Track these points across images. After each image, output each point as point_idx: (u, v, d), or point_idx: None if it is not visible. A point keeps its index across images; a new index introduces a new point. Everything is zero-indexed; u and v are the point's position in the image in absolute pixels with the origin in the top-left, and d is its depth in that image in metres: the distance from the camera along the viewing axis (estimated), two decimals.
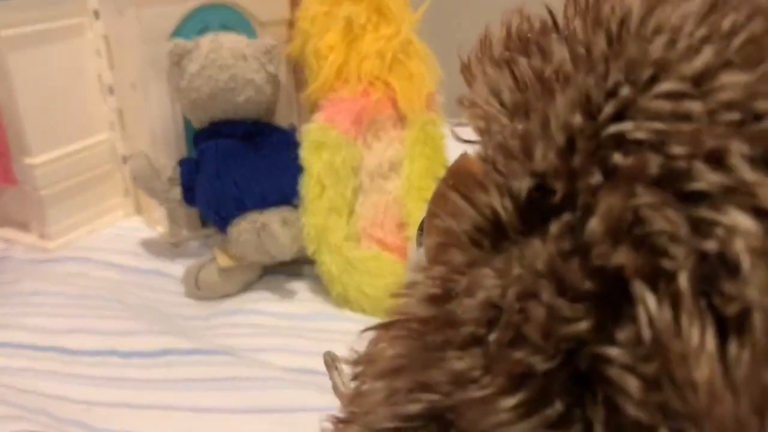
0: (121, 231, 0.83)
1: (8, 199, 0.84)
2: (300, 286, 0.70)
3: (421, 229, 0.25)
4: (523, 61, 0.19)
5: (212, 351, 0.59)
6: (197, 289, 0.69)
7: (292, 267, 0.72)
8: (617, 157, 0.15)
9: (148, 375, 0.57)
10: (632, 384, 0.14)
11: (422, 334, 0.18)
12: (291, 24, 0.80)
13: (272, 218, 0.66)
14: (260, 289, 0.70)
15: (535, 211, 0.16)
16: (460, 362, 0.17)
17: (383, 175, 0.70)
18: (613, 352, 0.15)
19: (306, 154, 0.68)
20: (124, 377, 0.57)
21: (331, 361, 0.35)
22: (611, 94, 0.16)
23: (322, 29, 0.71)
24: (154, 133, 0.77)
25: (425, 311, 0.18)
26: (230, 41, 0.72)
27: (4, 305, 0.68)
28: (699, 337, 0.14)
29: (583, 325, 0.15)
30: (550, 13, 0.20)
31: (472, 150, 0.21)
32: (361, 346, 0.21)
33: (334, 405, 0.43)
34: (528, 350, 0.15)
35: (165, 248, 0.79)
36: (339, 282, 0.65)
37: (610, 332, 0.15)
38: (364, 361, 0.21)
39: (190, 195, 0.73)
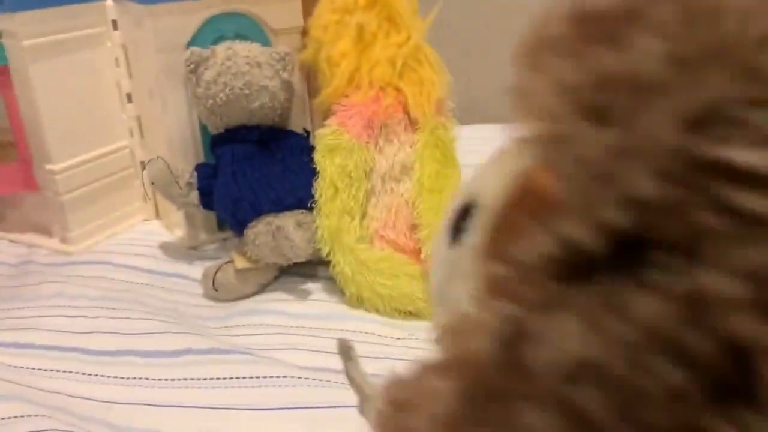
0: (141, 235, 0.85)
1: (30, 205, 0.86)
2: (315, 287, 0.72)
3: (457, 223, 0.23)
4: (600, 52, 0.15)
5: (230, 350, 0.60)
6: (215, 290, 0.70)
7: (306, 268, 0.73)
8: (740, 196, 0.12)
9: (167, 374, 0.58)
10: None
11: (488, 379, 0.16)
12: (304, 32, 0.81)
13: (287, 221, 0.67)
14: (276, 290, 0.72)
15: (627, 244, 0.14)
16: (535, 420, 0.14)
17: (395, 178, 0.71)
18: None
19: (319, 158, 0.69)
20: (144, 376, 0.58)
21: (346, 350, 0.35)
22: (720, 111, 0.13)
23: (335, 37, 0.73)
24: (172, 139, 0.79)
25: (492, 352, 0.16)
26: (245, 49, 0.74)
27: (27, 308, 0.69)
28: None
29: (703, 404, 0.13)
30: None
31: (535, 158, 0.17)
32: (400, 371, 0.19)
33: (349, 402, 0.44)
34: (633, 424, 0.13)
35: (183, 251, 0.81)
36: (353, 282, 0.66)
37: (730, 413, 0.12)
38: (411, 391, 0.18)
39: (207, 199, 0.75)
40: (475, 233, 0.21)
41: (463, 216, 0.22)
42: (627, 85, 0.14)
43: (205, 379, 0.57)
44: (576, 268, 0.15)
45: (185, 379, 0.57)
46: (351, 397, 0.43)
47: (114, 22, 0.82)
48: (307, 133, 0.81)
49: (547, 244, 0.15)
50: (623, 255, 0.14)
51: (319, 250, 0.68)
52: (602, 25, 0.16)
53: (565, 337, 0.14)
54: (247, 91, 0.73)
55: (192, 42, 0.76)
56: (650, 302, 0.13)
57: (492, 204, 0.20)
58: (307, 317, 0.66)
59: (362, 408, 0.36)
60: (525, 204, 0.17)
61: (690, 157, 0.13)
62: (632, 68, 0.14)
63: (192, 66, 0.73)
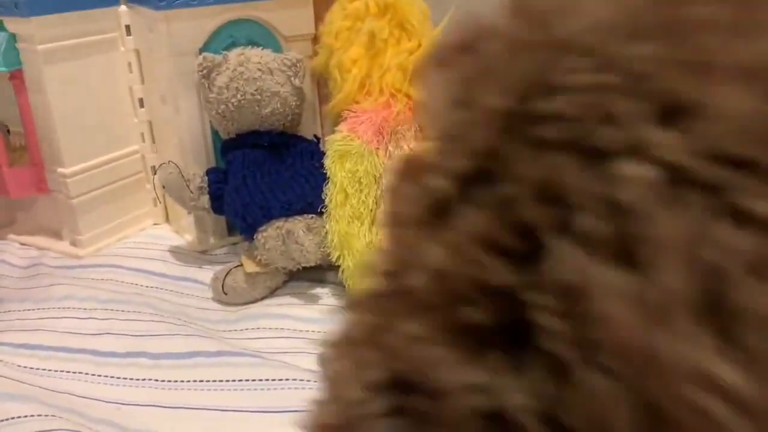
0: (150, 239, 0.86)
1: (41, 208, 0.86)
2: (323, 292, 0.72)
3: None
4: (465, 59, 0.20)
5: (239, 353, 0.60)
6: (224, 294, 0.70)
7: (316, 273, 0.73)
8: (533, 129, 0.17)
9: (176, 376, 0.58)
10: (556, 324, 0.15)
11: (381, 307, 0.20)
12: (315, 39, 0.82)
13: (297, 225, 0.68)
14: (285, 294, 0.72)
15: (470, 186, 0.18)
16: (411, 326, 0.18)
17: None
18: (536, 297, 0.16)
19: (330, 164, 0.70)
20: (153, 378, 0.58)
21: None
22: (531, 78, 0.18)
23: (346, 43, 0.73)
24: (183, 143, 0.80)
25: (383, 286, 0.20)
26: (257, 55, 0.75)
27: (38, 310, 0.70)
28: (609, 275, 0.15)
29: (506, 276, 0.16)
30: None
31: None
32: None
33: None
34: (467, 307, 0.17)
35: (193, 255, 0.81)
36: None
37: (534, 281, 0.16)
38: (334, 342, 0.22)
39: (217, 203, 0.75)
40: None
41: None
42: (476, 77, 0.19)
43: (213, 381, 0.57)
44: (440, 210, 0.19)
45: (194, 381, 0.58)
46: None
47: (127, 28, 0.82)
48: (318, 139, 0.81)
49: (417, 196, 0.19)
50: (469, 194, 0.18)
51: (329, 254, 0.68)
52: (469, 43, 0.21)
53: (428, 256, 0.18)
54: (258, 97, 0.73)
55: (205, 48, 0.77)
56: (473, 214, 0.17)
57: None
58: (316, 321, 0.66)
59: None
60: (402, 172, 0.21)
61: (508, 113, 0.17)
62: (478, 65, 0.20)
63: (204, 71, 0.74)
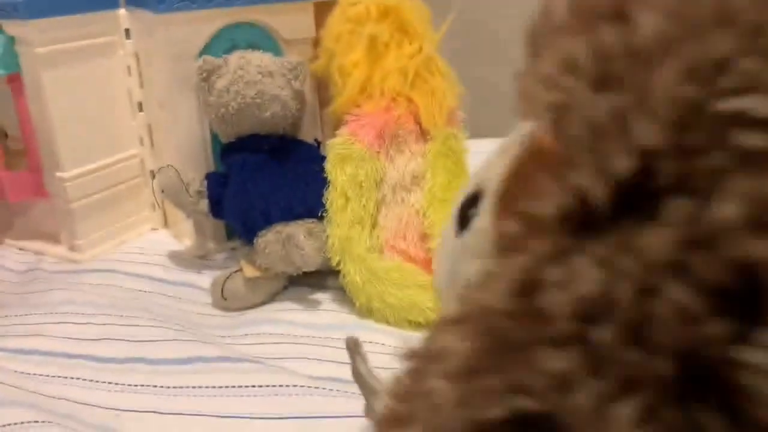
0: (149, 243, 0.85)
1: (39, 213, 0.86)
2: (324, 297, 0.71)
3: (463, 212, 0.23)
4: (603, 28, 0.16)
5: (239, 359, 0.60)
6: (224, 299, 0.70)
7: (316, 278, 0.73)
8: (746, 137, 0.13)
9: (175, 382, 0.58)
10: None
11: (504, 331, 0.16)
12: (316, 42, 0.82)
13: (297, 229, 0.67)
14: (285, 299, 0.72)
15: (638, 193, 0.15)
16: (558, 362, 0.15)
17: (406, 188, 0.71)
18: (750, 355, 0.13)
19: (330, 168, 0.69)
20: (152, 384, 0.58)
21: (354, 345, 0.35)
22: (727, 64, 0.14)
23: (347, 47, 0.73)
24: (182, 147, 0.79)
25: (507, 304, 0.16)
26: (257, 58, 0.74)
27: (35, 314, 0.69)
28: None
29: (716, 325, 0.13)
30: None
31: (538, 129, 0.18)
32: (411, 342, 0.19)
33: (358, 412, 0.43)
34: (646, 351, 0.14)
35: (191, 260, 0.80)
36: (363, 292, 0.66)
37: (746, 334, 0.13)
38: (425, 356, 0.18)
39: (217, 208, 0.75)
40: (484, 214, 0.22)
41: (470, 205, 0.23)
42: (628, 55, 0.16)
43: (213, 387, 0.57)
44: (586, 220, 0.15)
45: (193, 387, 0.57)
46: (360, 407, 0.42)
47: (127, 31, 0.82)
48: (318, 142, 0.81)
49: (559, 196, 0.16)
50: (632, 204, 0.15)
51: (329, 259, 0.68)
52: (604, 7, 0.17)
53: (579, 279, 0.15)
54: (259, 101, 0.73)
55: (204, 51, 0.77)
56: (657, 235, 0.14)
57: (497, 183, 0.21)
58: (317, 327, 0.66)
59: (368, 406, 0.35)
60: (533, 164, 0.18)
61: (694, 106, 0.14)
62: (634, 40, 0.15)
63: (204, 74, 0.73)
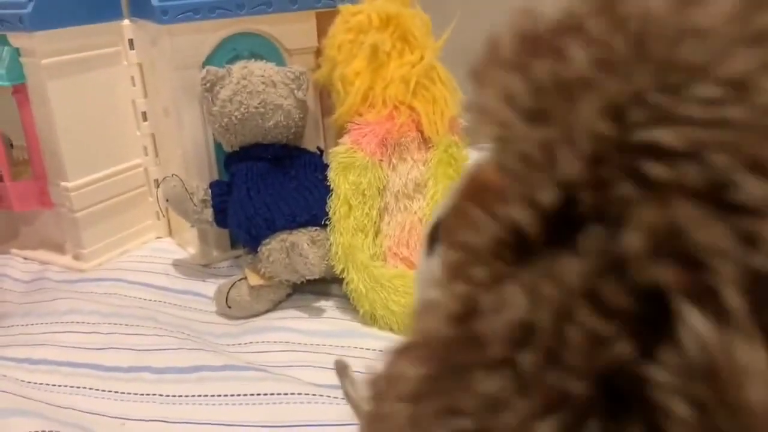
0: (154, 252, 0.86)
1: (44, 222, 0.86)
2: (328, 305, 0.72)
3: (431, 237, 0.24)
4: (537, 63, 0.17)
5: (243, 367, 0.60)
6: (228, 307, 0.70)
7: (320, 286, 0.73)
8: (652, 167, 0.14)
9: (180, 390, 0.58)
10: (680, 408, 0.13)
11: (446, 355, 0.17)
12: (318, 52, 0.82)
13: (301, 238, 0.68)
14: (289, 307, 0.72)
15: (561, 223, 0.16)
16: (490, 384, 0.16)
17: (408, 196, 0.72)
18: (658, 374, 0.14)
19: (333, 176, 0.70)
20: (157, 393, 0.58)
21: (342, 368, 0.35)
22: (640, 99, 0.15)
23: (349, 56, 0.74)
24: (186, 156, 0.80)
25: (448, 331, 0.17)
26: (260, 68, 0.75)
27: (41, 324, 0.70)
28: (753, 357, 0.13)
29: (624, 347, 0.14)
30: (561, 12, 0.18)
31: (484, 159, 0.19)
32: (378, 365, 0.20)
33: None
34: (564, 373, 0.15)
35: (196, 268, 0.81)
36: (366, 300, 0.66)
37: (654, 353, 0.14)
38: (383, 381, 0.19)
39: (221, 216, 0.75)
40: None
41: (437, 230, 0.24)
42: (557, 88, 0.16)
43: (218, 395, 0.57)
44: (518, 248, 0.16)
45: (198, 395, 0.57)
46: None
47: (130, 42, 0.83)
48: (321, 151, 0.82)
49: (492, 227, 0.17)
50: (558, 232, 0.16)
51: (333, 267, 0.68)
52: (542, 41, 0.18)
53: (509, 305, 0.16)
54: (262, 110, 0.73)
55: (208, 61, 0.77)
56: (572, 263, 0.15)
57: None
58: (321, 335, 0.66)
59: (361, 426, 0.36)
60: (472, 195, 0.18)
61: (609, 139, 0.15)
62: (560, 73, 0.17)
63: (208, 84, 0.74)
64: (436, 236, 0.24)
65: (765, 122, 0.14)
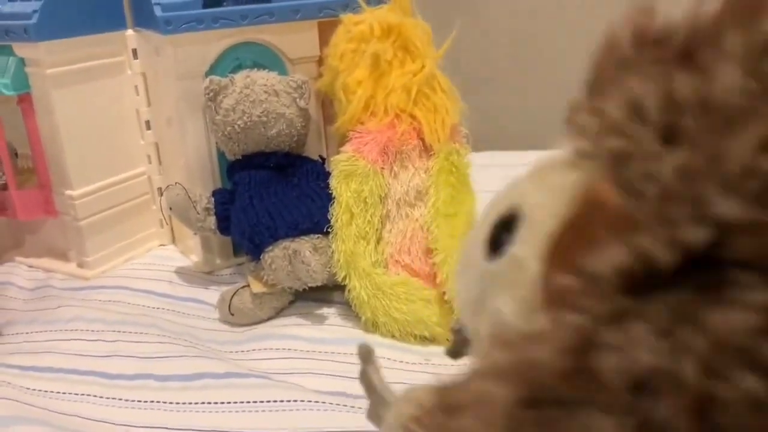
0: (157, 260, 0.86)
1: (48, 230, 0.87)
2: (330, 312, 0.72)
3: (495, 234, 0.23)
4: (675, 75, 0.16)
5: (246, 374, 0.61)
6: (231, 314, 0.71)
7: (322, 293, 0.74)
8: None
9: (184, 398, 0.58)
10: None
11: (552, 387, 0.16)
12: (320, 61, 0.83)
13: (303, 245, 0.68)
14: (292, 314, 0.72)
15: (707, 265, 0.14)
16: (606, 428, 0.14)
17: (410, 203, 0.72)
18: None
19: (335, 184, 0.70)
20: (161, 400, 0.58)
21: (366, 353, 0.35)
22: None
23: (351, 65, 0.74)
24: (190, 165, 0.80)
25: (559, 362, 0.16)
26: (263, 78, 0.75)
27: (45, 331, 0.70)
28: None
29: None
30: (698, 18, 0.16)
31: (596, 173, 0.17)
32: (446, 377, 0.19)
33: (366, 427, 0.44)
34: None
35: (199, 276, 0.81)
36: (368, 307, 0.67)
37: None
38: (461, 400, 0.18)
39: (224, 224, 0.76)
40: (523, 245, 0.21)
41: (503, 228, 0.22)
42: (703, 109, 0.15)
43: (221, 403, 0.57)
44: (646, 283, 0.15)
45: (202, 402, 0.58)
46: (367, 422, 0.43)
47: (134, 51, 0.84)
48: (323, 159, 0.82)
49: (621, 256, 0.15)
50: (695, 272, 0.14)
51: (335, 274, 0.69)
52: (674, 47, 0.16)
53: (637, 346, 0.14)
54: (264, 119, 0.74)
55: (211, 71, 0.78)
56: (726, 314, 0.13)
57: (543, 216, 0.20)
58: (323, 342, 0.67)
59: (374, 412, 0.35)
60: (592, 216, 0.17)
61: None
62: (711, 94, 0.15)
63: (211, 94, 0.75)
64: (500, 235, 0.22)
65: None
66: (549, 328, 0.17)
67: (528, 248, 0.20)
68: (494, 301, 0.21)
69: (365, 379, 0.35)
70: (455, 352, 0.31)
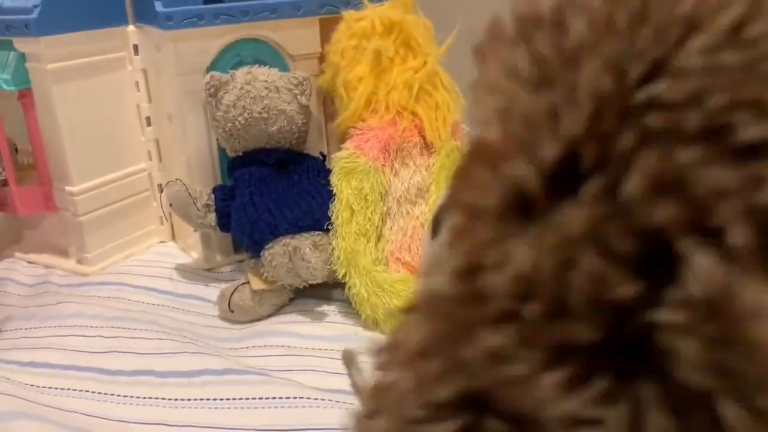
0: (157, 256, 0.86)
1: (48, 226, 0.87)
2: (330, 309, 0.72)
3: (435, 221, 0.24)
4: (539, 36, 0.18)
5: (245, 371, 0.60)
6: (230, 311, 0.70)
7: (322, 290, 0.73)
8: (652, 118, 0.14)
9: (183, 394, 0.58)
10: (690, 347, 0.13)
11: (450, 313, 0.17)
12: (321, 57, 0.83)
13: (304, 242, 0.68)
14: (291, 312, 0.72)
15: (565, 178, 0.15)
16: (494, 338, 0.16)
17: (410, 201, 0.72)
18: (665, 315, 0.14)
19: (336, 181, 0.70)
20: (160, 396, 0.58)
21: (350, 358, 0.35)
22: (639, 55, 0.15)
23: (352, 62, 0.74)
24: (190, 161, 0.80)
25: (452, 288, 0.17)
26: (264, 74, 0.75)
27: (45, 327, 0.70)
28: (759, 294, 0.13)
29: (630, 289, 0.14)
30: None
31: (487, 128, 0.19)
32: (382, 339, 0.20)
33: None
34: (570, 322, 0.14)
35: (199, 273, 0.81)
36: (368, 304, 0.67)
37: (660, 295, 0.14)
38: (387, 349, 0.19)
39: (224, 221, 0.75)
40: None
41: (441, 212, 0.24)
42: (559, 56, 0.17)
43: (220, 399, 0.57)
44: (524, 204, 0.16)
45: (201, 399, 0.57)
46: None
47: (135, 47, 0.83)
48: (324, 156, 0.82)
49: (495, 186, 0.17)
50: (561, 189, 0.15)
51: (335, 271, 0.69)
52: (542, 18, 0.18)
53: (513, 259, 0.16)
54: (265, 115, 0.74)
55: (212, 67, 0.78)
56: (573, 212, 0.15)
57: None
58: (323, 339, 0.66)
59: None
60: (475, 158, 0.18)
61: (611, 95, 0.15)
62: (561, 42, 0.17)
63: (212, 90, 0.74)
64: (440, 218, 0.24)
65: (760, 65, 0.14)
66: (445, 259, 0.18)
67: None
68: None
69: (352, 382, 0.35)
70: None
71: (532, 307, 0.15)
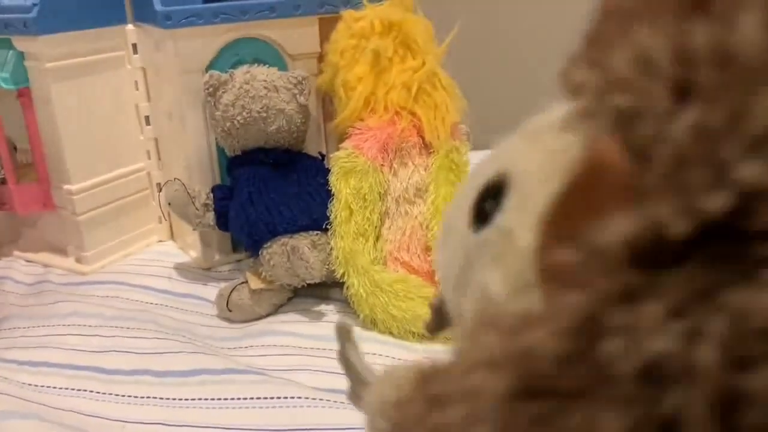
0: (155, 255, 0.86)
1: (46, 225, 0.87)
2: (328, 309, 0.72)
3: (481, 202, 0.20)
4: (689, 23, 0.14)
5: (244, 371, 0.60)
6: (229, 311, 0.70)
7: (320, 290, 0.73)
8: None
9: (181, 393, 0.58)
10: None
11: (552, 377, 0.14)
12: (321, 57, 0.83)
13: (302, 242, 0.68)
14: (290, 311, 0.72)
15: (726, 237, 0.12)
16: (614, 424, 0.12)
17: (409, 201, 0.72)
18: None
19: (334, 180, 0.70)
20: (158, 396, 0.58)
21: (344, 332, 0.33)
22: None
23: (351, 62, 0.74)
24: (189, 161, 0.80)
25: (560, 348, 0.14)
26: (263, 73, 0.75)
27: (43, 326, 0.70)
28: None
29: None
30: None
31: (598, 134, 0.16)
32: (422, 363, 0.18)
33: (362, 423, 0.44)
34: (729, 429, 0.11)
35: (197, 272, 0.81)
36: (367, 304, 0.67)
37: None
38: (446, 391, 0.16)
39: (223, 220, 0.75)
40: (513, 214, 0.19)
41: (489, 195, 0.20)
42: (721, 62, 0.13)
43: (218, 399, 0.57)
44: (658, 257, 0.13)
45: (199, 398, 0.57)
46: (362, 419, 0.43)
47: (134, 46, 0.83)
48: (322, 156, 0.82)
49: (631, 227, 0.13)
50: (713, 244, 0.12)
51: (334, 271, 0.69)
52: None
53: (649, 328, 0.12)
54: (264, 115, 0.74)
55: (211, 66, 0.78)
56: (752, 294, 0.12)
57: (535, 182, 0.18)
58: (321, 338, 0.66)
59: (354, 393, 0.34)
60: (595, 183, 0.15)
61: None
62: (730, 45, 0.13)
63: (211, 89, 0.74)
64: (486, 203, 0.20)
65: None
66: (546, 309, 0.15)
67: (519, 218, 0.18)
68: (480, 275, 0.19)
69: (344, 358, 0.34)
70: (434, 328, 0.30)
71: (676, 399, 0.12)
